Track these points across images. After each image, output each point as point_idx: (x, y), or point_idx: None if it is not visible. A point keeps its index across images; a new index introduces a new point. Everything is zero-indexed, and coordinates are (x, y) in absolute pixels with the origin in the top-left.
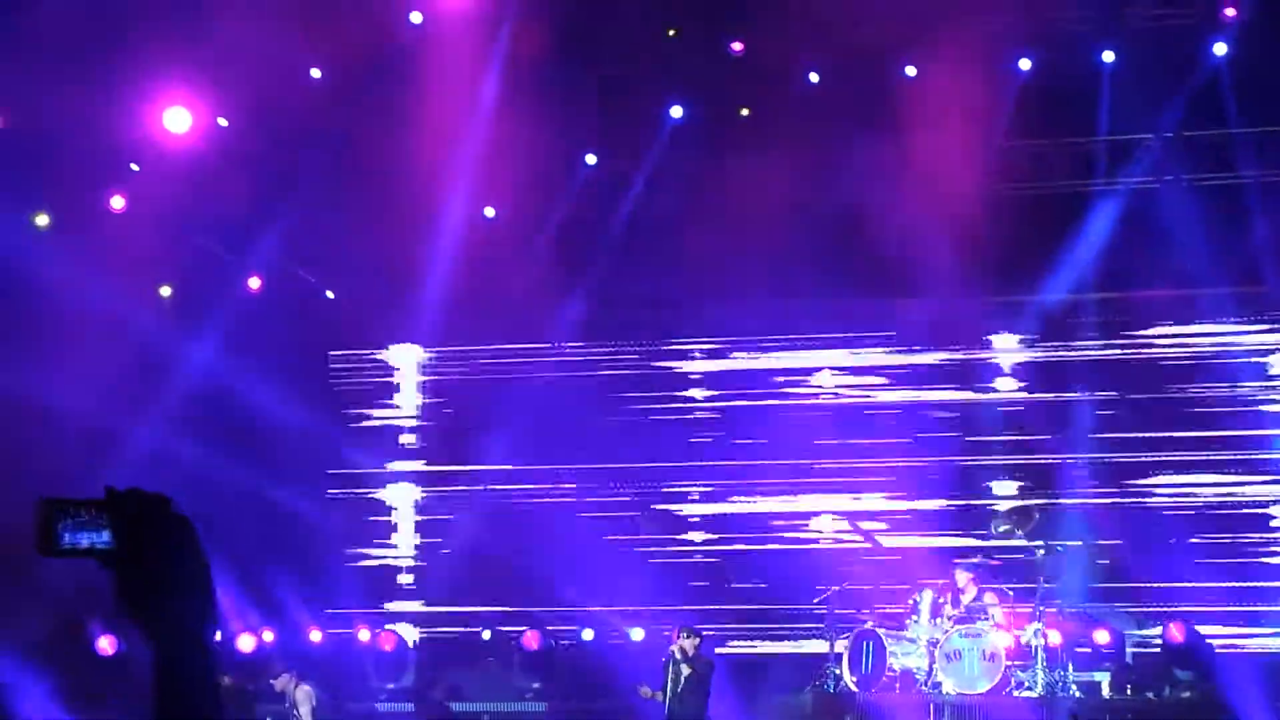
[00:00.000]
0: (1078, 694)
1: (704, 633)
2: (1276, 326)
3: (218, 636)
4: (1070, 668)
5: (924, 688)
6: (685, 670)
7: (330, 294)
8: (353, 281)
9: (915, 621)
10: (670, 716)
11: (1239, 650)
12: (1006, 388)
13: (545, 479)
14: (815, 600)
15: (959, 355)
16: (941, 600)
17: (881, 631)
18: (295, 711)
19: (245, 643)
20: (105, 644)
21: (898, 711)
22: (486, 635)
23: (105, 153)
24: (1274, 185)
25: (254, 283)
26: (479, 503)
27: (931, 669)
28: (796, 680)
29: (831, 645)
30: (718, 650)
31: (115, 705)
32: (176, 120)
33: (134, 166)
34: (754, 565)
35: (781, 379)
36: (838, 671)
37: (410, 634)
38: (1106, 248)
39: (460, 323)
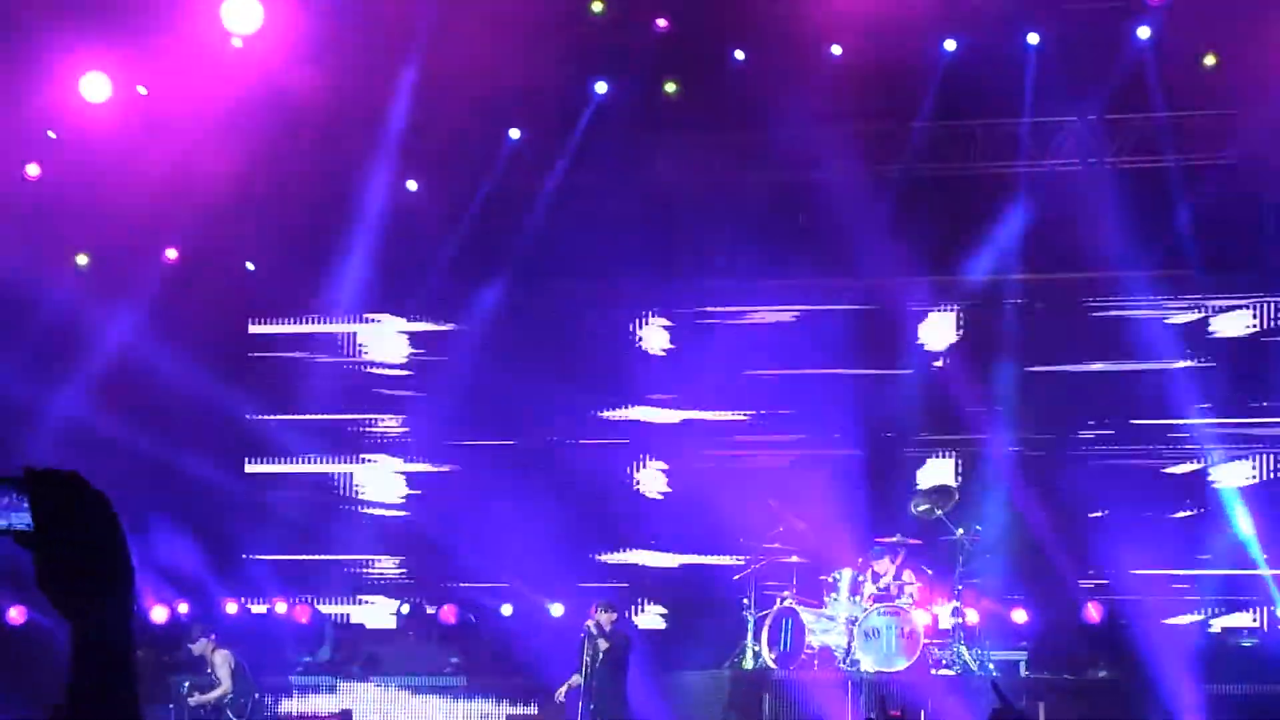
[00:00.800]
0: (996, 673)
1: (620, 609)
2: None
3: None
4: (988, 646)
5: (842, 665)
6: (603, 645)
7: (250, 265)
8: (274, 254)
9: (834, 599)
10: (588, 692)
11: (1162, 626)
12: (931, 366)
13: (468, 453)
14: (735, 576)
15: (884, 332)
16: (861, 578)
17: (800, 608)
18: (214, 675)
19: (159, 614)
20: (15, 614)
21: (816, 689)
22: (405, 609)
23: (21, 120)
24: (1196, 169)
25: (171, 253)
26: (404, 474)
27: (850, 647)
28: (715, 656)
29: (750, 622)
30: (637, 624)
31: (28, 675)
32: (94, 87)
33: (50, 134)
34: (676, 534)
35: (711, 348)
36: (756, 648)
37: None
38: (1030, 229)
39: (383, 296)
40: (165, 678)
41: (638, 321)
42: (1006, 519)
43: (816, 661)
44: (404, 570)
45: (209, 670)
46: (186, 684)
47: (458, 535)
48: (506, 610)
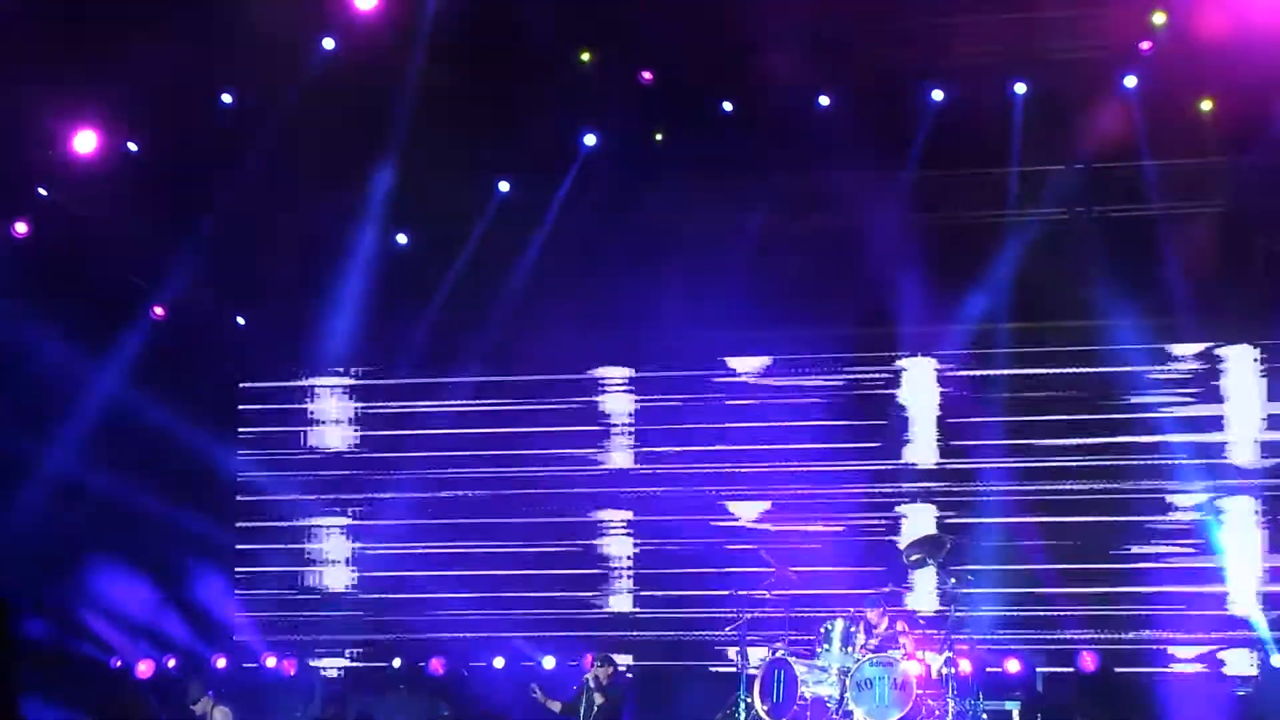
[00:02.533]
0: None
1: (618, 662)
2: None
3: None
4: (980, 697)
5: (835, 716)
6: (599, 699)
7: (241, 320)
8: (263, 309)
9: (827, 650)
10: None
11: (1158, 674)
12: (918, 413)
13: (460, 505)
14: (727, 628)
15: (872, 382)
16: (853, 629)
17: (792, 660)
18: None
19: (144, 669)
20: None
21: None
22: (397, 663)
23: (9, 176)
24: (1182, 217)
25: (158, 310)
26: (392, 530)
27: (843, 698)
28: (707, 708)
29: (742, 673)
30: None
31: None
32: (84, 143)
33: (41, 191)
34: (668, 587)
35: (697, 401)
36: (749, 700)
37: (327, 663)
38: (1018, 278)
39: (373, 350)
40: None
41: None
42: (999, 568)
43: (809, 713)
44: (392, 622)
45: None
46: None
47: (452, 587)
48: (498, 663)
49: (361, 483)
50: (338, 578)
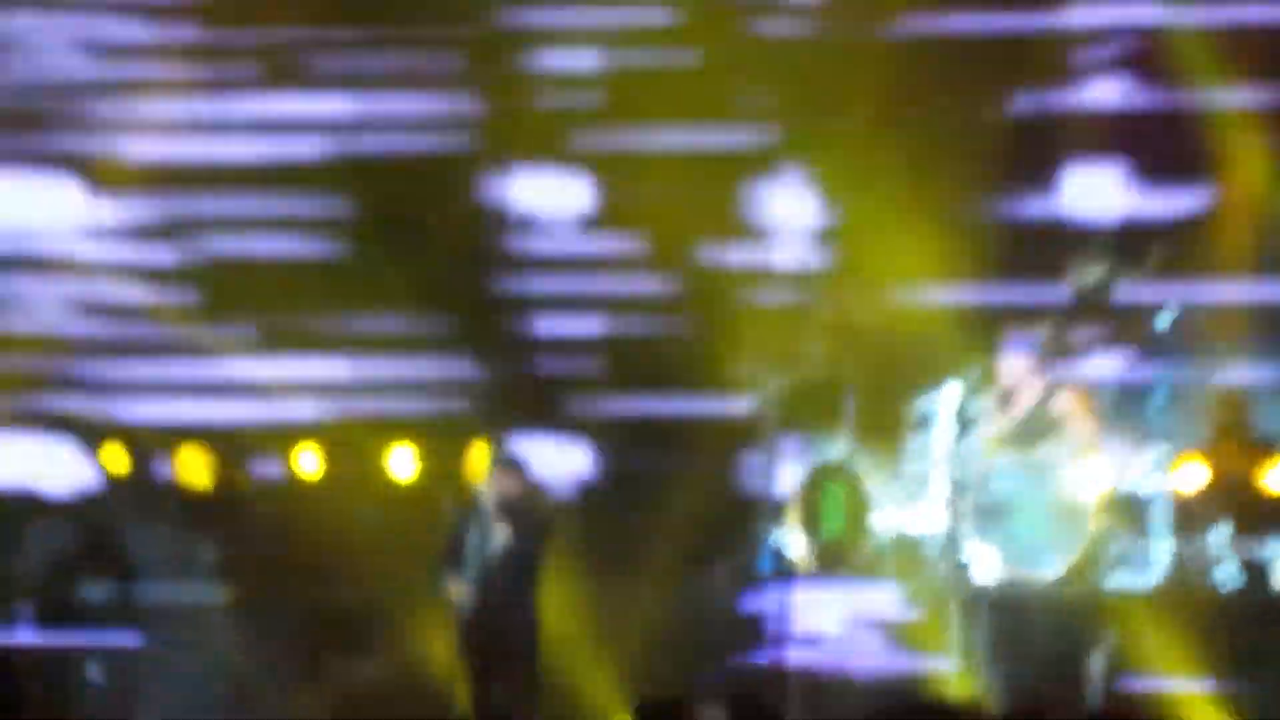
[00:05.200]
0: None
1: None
2: None
3: None
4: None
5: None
6: (501, 532)
7: None
8: None
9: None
10: (472, 624)
11: None
12: None
13: None
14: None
15: None
16: (975, 397)
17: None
18: None
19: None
20: None
21: None
22: None
23: None
24: None
25: None
26: None
27: (956, 532)
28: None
29: (768, 494)
30: None
31: None
32: None
33: None
34: None
35: None
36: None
37: None
38: None
39: None
40: None
41: None
42: None
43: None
44: None
45: None
46: None
47: None
48: None
49: None
50: None
